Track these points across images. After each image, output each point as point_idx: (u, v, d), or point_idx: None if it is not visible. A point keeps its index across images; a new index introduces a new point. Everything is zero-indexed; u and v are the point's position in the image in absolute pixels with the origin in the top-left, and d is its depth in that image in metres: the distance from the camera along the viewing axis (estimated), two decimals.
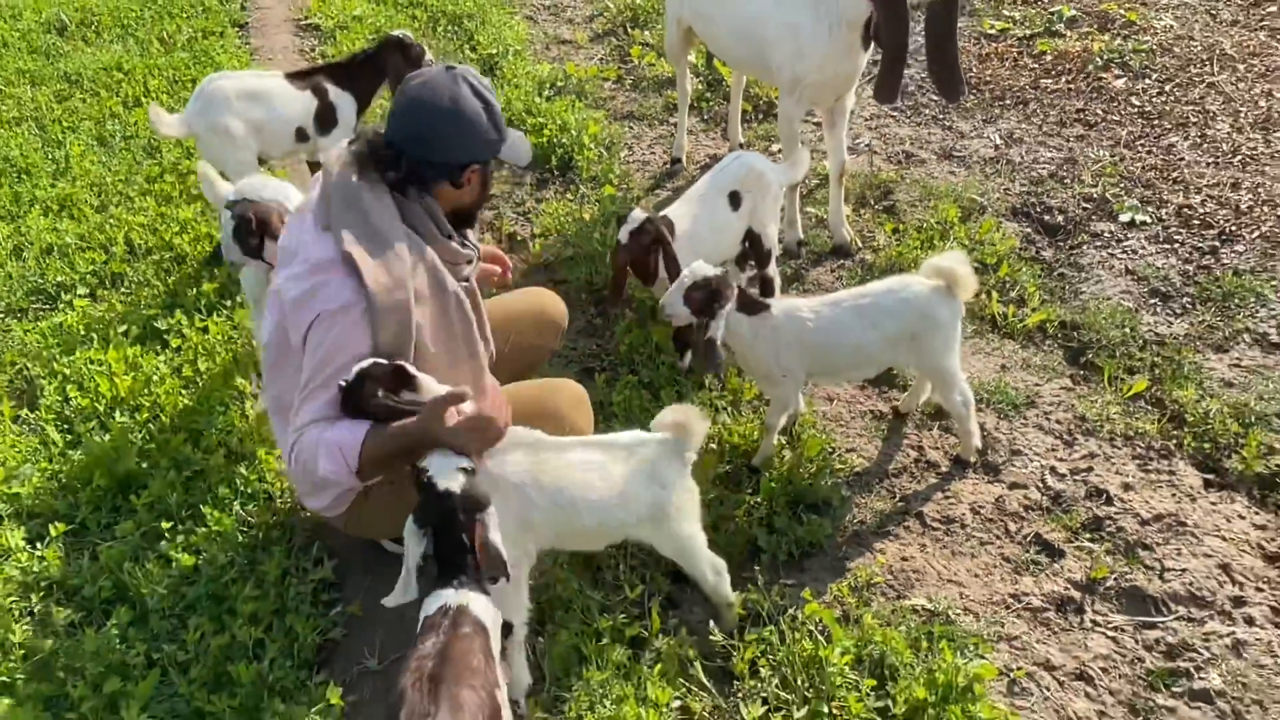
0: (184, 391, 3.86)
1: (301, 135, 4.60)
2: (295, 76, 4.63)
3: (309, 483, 2.62)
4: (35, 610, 3.07)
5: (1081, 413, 3.64)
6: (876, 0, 3.70)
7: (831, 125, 4.44)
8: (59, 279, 4.69)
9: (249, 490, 3.36)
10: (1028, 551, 3.15)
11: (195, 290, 4.48)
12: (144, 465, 3.53)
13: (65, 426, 3.79)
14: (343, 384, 2.37)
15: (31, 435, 3.77)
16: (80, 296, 4.55)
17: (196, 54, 7.01)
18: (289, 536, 3.21)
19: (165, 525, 3.24)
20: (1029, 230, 4.67)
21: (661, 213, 3.74)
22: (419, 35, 7.31)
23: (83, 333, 4.28)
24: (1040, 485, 3.40)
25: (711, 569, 2.81)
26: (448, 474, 2.20)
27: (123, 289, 4.65)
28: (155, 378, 3.91)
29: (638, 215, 3.51)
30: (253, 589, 2.98)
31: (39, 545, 3.29)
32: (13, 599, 3.08)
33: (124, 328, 4.25)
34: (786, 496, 3.30)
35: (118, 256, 4.82)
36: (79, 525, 3.37)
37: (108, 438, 3.62)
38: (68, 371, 4.01)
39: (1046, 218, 4.74)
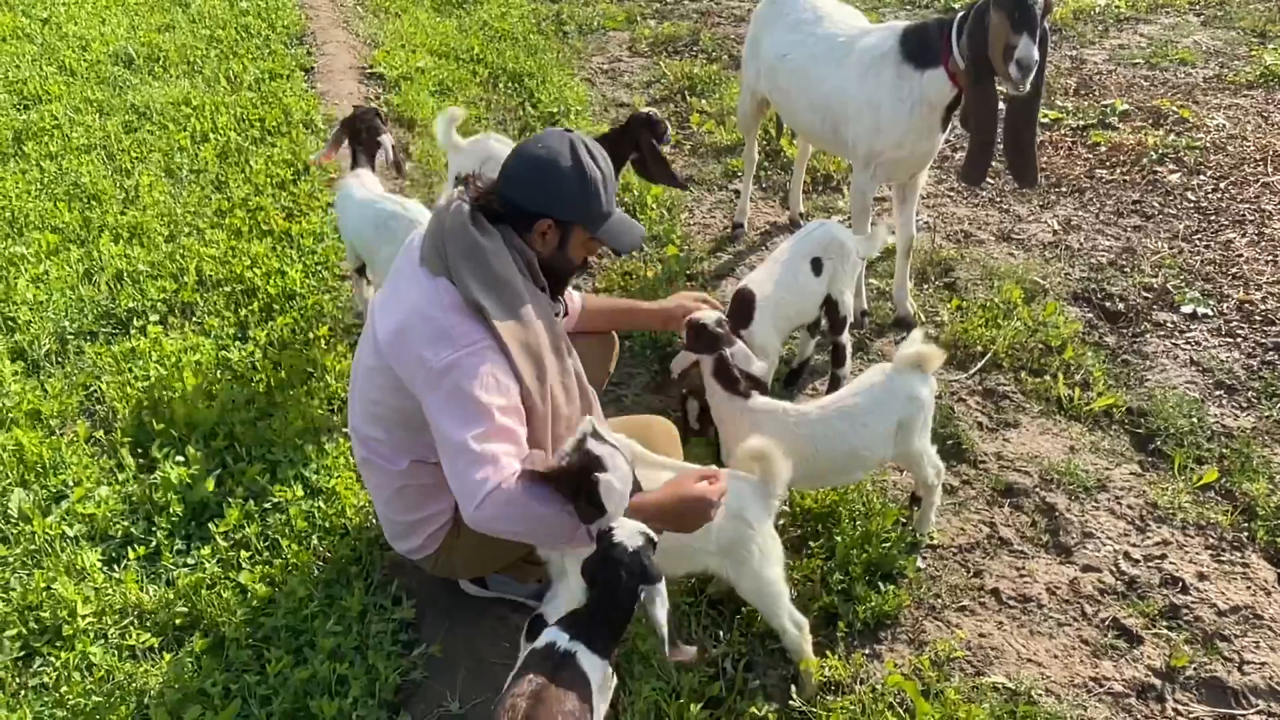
0: (259, 424, 3.88)
1: None
2: None
3: (519, 524, 2.43)
4: (109, 633, 3.07)
5: (1153, 499, 3.65)
6: (968, 87, 3.79)
7: (902, 201, 4.52)
8: (130, 305, 4.74)
9: (327, 525, 3.37)
10: (1106, 635, 3.14)
11: (268, 324, 4.53)
12: (220, 494, 3.54)
13: (139, 451, 3.81)
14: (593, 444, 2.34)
15: (106, 458, 3.78)
16: (153, 323, 4.59)
17: (264, 94, 7.16)
18: (366, 574, 3.22)
19: (244, 555, 3.24)
20: (1090, 316, 4.73)
21: (744, 281, 3.79)
22: (480, 91, 7.47)
23: (155, 358, 4.33)
24: (1114, 569, 3.39)
25: (792, 622, 2.84)
26: (632, 534, 2.20)
27: (194, 318, 4.70)
28: (230, 407, 3.94)
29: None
30: (334, 624, 2.98)
31: (115, 568, 3.29)
32: (89, 620, 3.08)
33: (196, 357, 4.29)
34: (862, 564, 3.30)
35: (189, 286, 4.88)
36: (153, 551, 3.38)
37: (183, 464, 3.64)
38: (142, 397, 4.04)
39: (1108, 304, 4.79)
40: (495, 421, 2.42)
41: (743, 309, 3.66)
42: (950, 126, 4.19)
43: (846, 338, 4.04)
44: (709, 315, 3.22)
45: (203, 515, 3.50)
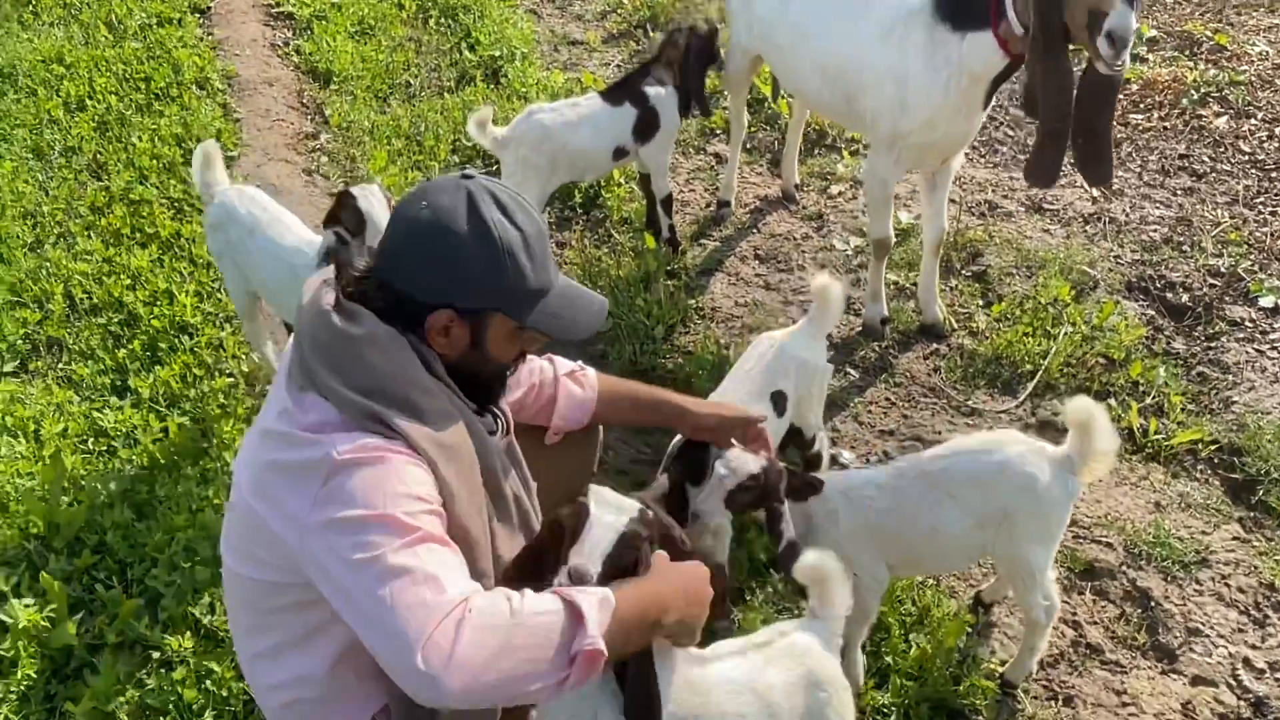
0: (138, 524, 3.03)
1: (620, 153, 4.02)
2: (610, 92, 4.01)
3: (504, 662, 1.55)
4: None
5: (1268, 578, 2.95)
6: (1035, 60, 2.92)
7: (932, 188, 3.69)
8: None
9: (224, 692, 2.55)
10: None
11: (152, 370, 3.63)
12: (85, 638, 2.71)
13: None
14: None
15: None
16: (7, 373, 3.69)
17: (150, 45, 6.05)
18: None
19: None
20: (1151, 312, 3.97)
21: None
22: (407, 30, 6.42)
23: (10, 425, 3.44)
24: (1233, 683, 2.71)
25: None
26: None
27: (61, 362, 3.78)
28: (101, 502, 3.09)
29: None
30: None
31: None
32: None
33: (62, 425, 3.40)
34: (925, 700, 2.58)
35: (55, 316, 3.95)
36: None
37: (40, 604, 2.79)
38: None
39: (1169, 295, 4.03)
40: (414, 529, 1.63)
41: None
42: (990, 104, 3.35)
43: (820, 439, 3.08)
44: (741, 463, 2.28)
45: (65, 669, 2.68)
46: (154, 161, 4.89)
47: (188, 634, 2.68)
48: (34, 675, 2.64)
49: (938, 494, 2.46)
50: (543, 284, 1.86)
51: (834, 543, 2.36)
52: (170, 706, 2.52)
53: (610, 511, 1.80)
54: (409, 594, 1.55)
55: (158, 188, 4.69)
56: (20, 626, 2.69)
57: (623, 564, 1.76)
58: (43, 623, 2.72)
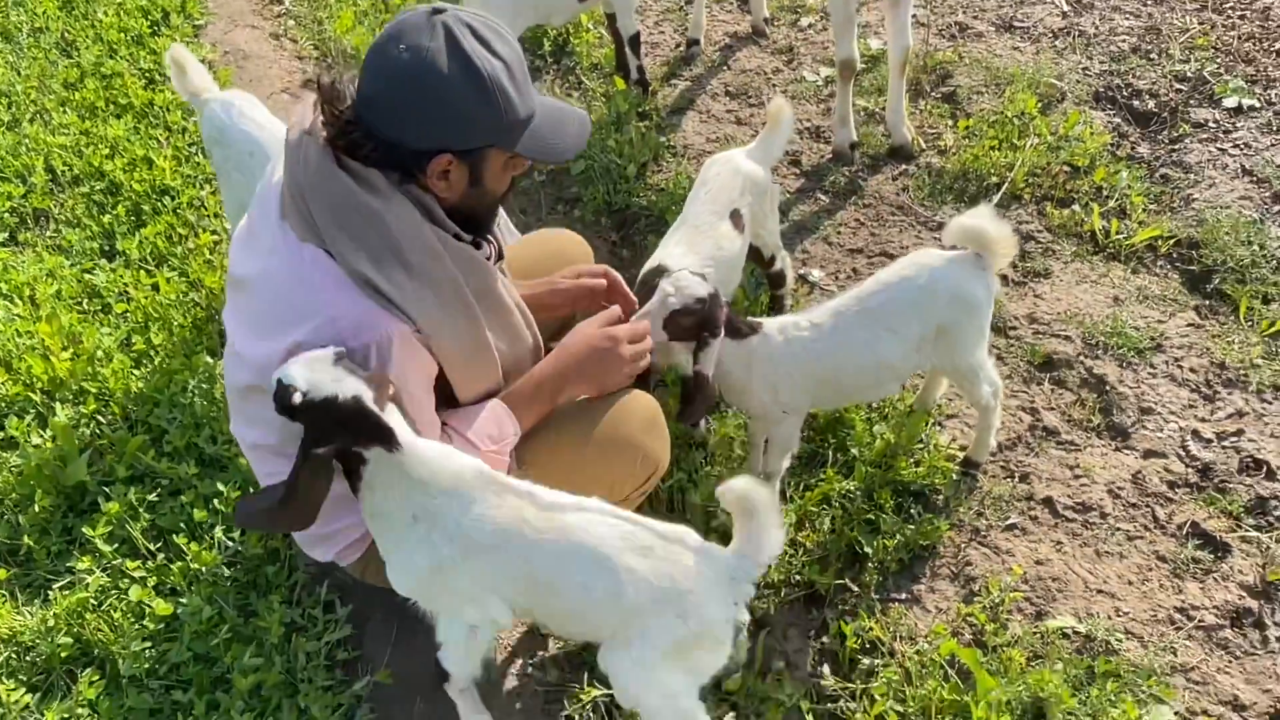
0: (135, 372, 3.17)
1: None
2: None
3: None
4: None
5: (1219, 358, 3.07)
6: None
7: (894, 4, 3.69)
8: None
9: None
10: (1185, 547, 2.62)
11: (137, 234, 3.72)
12: (96, 476, 2.87)
13: None
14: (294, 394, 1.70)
15: None
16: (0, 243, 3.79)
17: None
18: (289, 572, 2.61)
19: (131, 565, 2.61)
20: (1118, 120, 4.00)
21: (654, 262, 2.70)
22: None
23: (5, 291, 3.55)
24: (1183, 453, 2.85)
25: None
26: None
27: (49, 231, 3.88)
28: (100, 355, 3.22)
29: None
30: (253, 653, 2.39)
31: None
32: None
33: (55, 287, 3.52)
34: (889, 484, 2.73)
35: (39, 189, 4.02)
36: (24, 558, 2.74)
37: (48, 439, 2.95)
38: None
39: (1136, 103, 4.06)
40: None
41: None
42: None
43: (780, 258, 3.15)
44: (686, 285, 2.35)
45: (80, 504, 2.85)
46: (122, 35, 4.89)
47: (193, 463, 2.84)
48: (50, 509, 2.81)
49: (878, 329, 2.49)
50: (529, 110, 1.85)
51: (768, 384, 2.49)
52: (181, 525, 2.70)
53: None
54: None
55: (128, 60, 4.70)
56: (33, 464, 2.85)
57: None
58: (55, 461, 2.87)
